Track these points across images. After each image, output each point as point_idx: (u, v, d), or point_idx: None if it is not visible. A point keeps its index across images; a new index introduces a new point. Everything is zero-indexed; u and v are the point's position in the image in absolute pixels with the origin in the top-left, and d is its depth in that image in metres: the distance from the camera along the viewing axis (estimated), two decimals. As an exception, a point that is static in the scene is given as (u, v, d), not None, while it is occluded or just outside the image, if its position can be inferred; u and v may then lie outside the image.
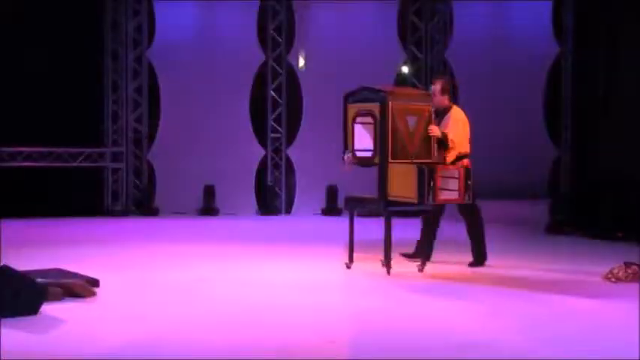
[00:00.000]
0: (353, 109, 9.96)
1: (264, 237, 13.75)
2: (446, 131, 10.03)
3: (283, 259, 11.02)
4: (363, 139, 9.89)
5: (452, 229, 10.88)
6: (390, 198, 9.57)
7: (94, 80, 17.45)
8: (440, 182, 9.35)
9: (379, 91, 9.83)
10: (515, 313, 7.72)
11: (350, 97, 10.04)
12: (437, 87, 10.41)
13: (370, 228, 10.70)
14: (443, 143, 9.97)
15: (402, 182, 9.47)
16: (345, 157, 9.99)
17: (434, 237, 10.61)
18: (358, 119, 9.90)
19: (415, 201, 9.34)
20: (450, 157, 10.04)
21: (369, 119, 9.78)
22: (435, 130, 9.85)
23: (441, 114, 10.27)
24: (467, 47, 17.89)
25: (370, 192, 10.16)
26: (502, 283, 9.28)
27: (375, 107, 9.70)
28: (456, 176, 9.51)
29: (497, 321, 7.37)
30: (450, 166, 9.72)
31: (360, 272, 9.83)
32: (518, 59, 17.45)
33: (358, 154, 9.93)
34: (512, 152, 17.23)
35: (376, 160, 9.68)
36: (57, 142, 16.85)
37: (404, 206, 9.71)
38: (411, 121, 9.75)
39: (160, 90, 17.66)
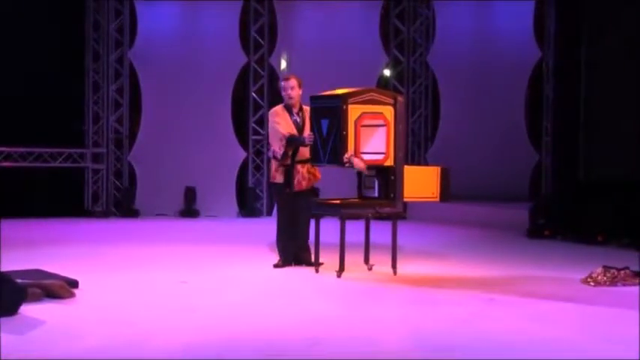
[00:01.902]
0: (356, 110, 9.67)
1: (244, 239, 13.73)
2: None
3: (263, 260, 10.99)
4: (372, 142, 9.83)
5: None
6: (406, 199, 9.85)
7: (75, 80, 17.39)
8: None
9: (388, 93, 10.05)
10: (491, 317, 7.72)
11: (350, 98, 9.73)
12: (294, 82, 10.62)
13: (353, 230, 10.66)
14: None
15: (419, 183, 9.70)
16: (354, 159, 9.56)
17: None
18: (365, 121, 9.75)
19: (438, 199, 9.84)
20: None
21: (379, 121, 9.75)
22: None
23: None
24: (449, 50, 17.93)
25: (348, 194, 10.22)
26: (480, 285, 9.29)
27: (387, 110, 9.70)
28: None
29: (472, 325, 7.37)
30: None
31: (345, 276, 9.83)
32: (500, 62, 17.50)
33: (366, 157, 9.73)
34: (494, 155, 17.28)
35: (388, 163, 9.68)
36: (37, 142, 16.78)
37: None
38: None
39: (141, 91, 17.63)
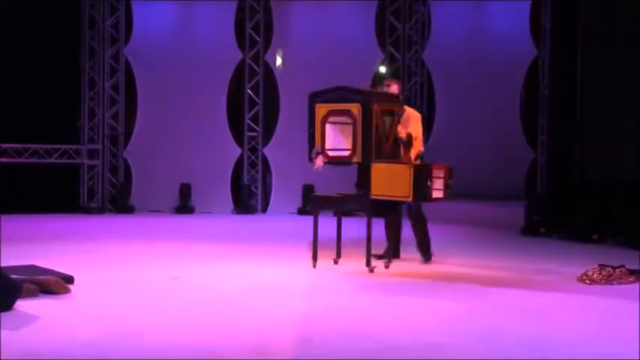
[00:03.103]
0: (323, 108, 9.90)
1: (239, 236, 13.72)
2: (408, 131, 10.28)
3: (257, 258, 10.99)
4: (337, 139, 9.91)
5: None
6: (374, 196, 9.62)
7: (71, 77, 17.39)
8: (433, 181, 9.55)
9: (359, 91, 9.89)
10: (487, 314, 7.73)
11: (317, 97, 9.97)
12: (394, 88, 10.56)
13: (349, 227, 10.68)
14: (408, 143, 10.22)
15: (390, 181, 9.55)
16: (315, 156, 9.88)
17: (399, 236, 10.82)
18: (331, 119, 9.87)
19: (410, 199, 9.59)
20: (412, 155, 10.29)
21: (344, 119, 9.78)
22: (403, 131, 10.16)
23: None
24: (444, 48, 17.95)
25: (345, 190, 10.23)
26: (475, 283, 9.29)
27: (354, 107, 9.71)
28: (442, 176, 9.67)
29: (466, 322, 7.38)
30: (435, 166, 9.79)
31: (333, 271, 9.83)
32: (496, 60, 17.51)
33: (331, 153, 9.90)
34: (489, 153, 17.29)
35: (355, 160, 9.70)
36: (33, 138, 16.77)
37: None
38: (387, 121, 9.88)
39: (137, 87, 17.62)
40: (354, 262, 10.20)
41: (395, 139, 10.02)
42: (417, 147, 10.37)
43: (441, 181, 9.68)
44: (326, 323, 7.22)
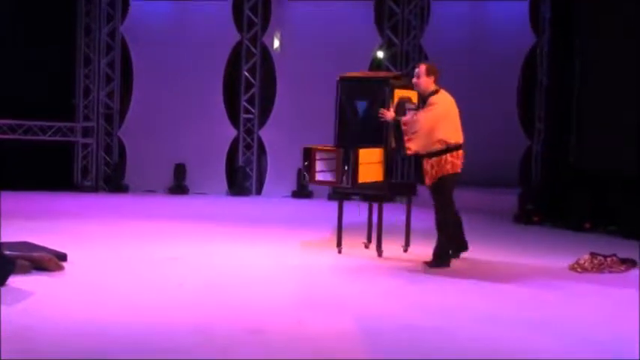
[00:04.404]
0: (398, 93, 10.01)
1: (232, 217, 13.72)
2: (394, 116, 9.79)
3: (251, 239, 11.01)
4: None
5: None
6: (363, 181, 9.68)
7: (66, 54, 17.34)
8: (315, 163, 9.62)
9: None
10: (476, 303, 7.74)
11: (395, 82, 10.02)
12: (421, 69, 9.78)
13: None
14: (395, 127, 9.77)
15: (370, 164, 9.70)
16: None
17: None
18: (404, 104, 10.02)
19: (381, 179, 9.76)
20: (413, 145, 9.58)
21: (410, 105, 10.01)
22: (386, 115, 9.77)
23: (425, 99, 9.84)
24: (443, 34, 17.90)
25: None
26: (466, 271, 9.31)
27: (413, 95, 10.01)
28: (327, 157, 9.64)
29: (457, 309, 7.40)
30: (322, 147, 9.83)
31: (329, 256, 9.85)
32: (494, 47, 17.47)
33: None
34: (484, 140, 17.27)
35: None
36: (27, 115, 16.73)
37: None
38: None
39: (132, 66, 17.58)
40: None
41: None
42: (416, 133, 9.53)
43: (328, 162, 9.57)
44: (317, 305, 7.24)
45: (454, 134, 9.66)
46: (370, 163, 9.66)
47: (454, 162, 9.56)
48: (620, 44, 13.54)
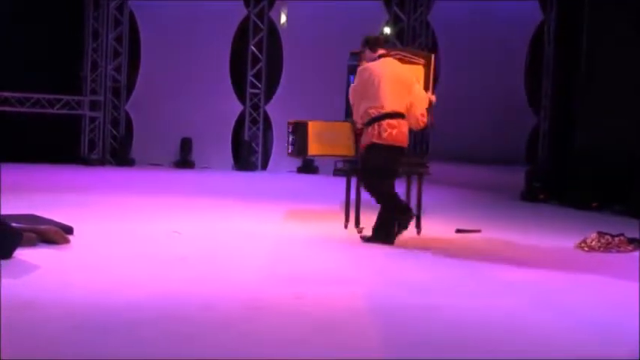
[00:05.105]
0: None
1: (237, 191, 13.73)
2: None
3: (255, 214, 11.01)
4: None
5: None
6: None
7: (74, 28, 17.32)
8: None
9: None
10: (483, 279, 7.73)
11: None
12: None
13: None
14: None
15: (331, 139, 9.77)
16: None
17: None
18: None
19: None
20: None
21: None
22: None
23: None
24: (450, 10, 17.84)
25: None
26: (473, 248, 9.29)
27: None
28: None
29: (463, 287, 7.39)
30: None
31: (327, 230, 9.85)
32: (502, 24, 17.43)
33: None
34: (492, 117, 17.25)
35: None
36: (35, 87, 16.73)
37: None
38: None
39: (140, 40, 17.56)
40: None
41: None
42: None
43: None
44: (317, 282, 7.25)
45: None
46: (336, 137, 9.67)
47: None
48: (629, 21, 13.47)
